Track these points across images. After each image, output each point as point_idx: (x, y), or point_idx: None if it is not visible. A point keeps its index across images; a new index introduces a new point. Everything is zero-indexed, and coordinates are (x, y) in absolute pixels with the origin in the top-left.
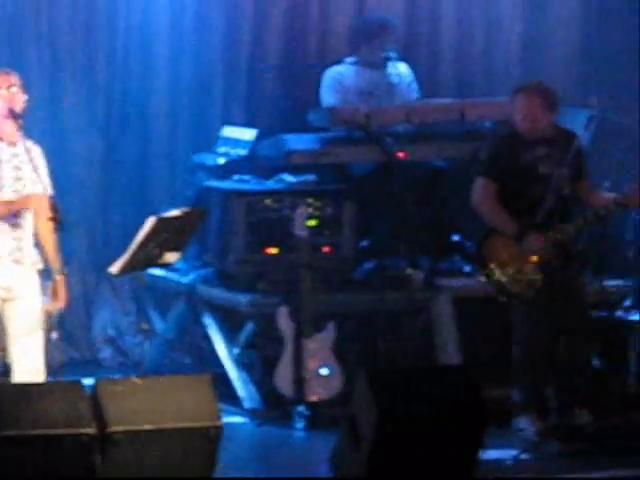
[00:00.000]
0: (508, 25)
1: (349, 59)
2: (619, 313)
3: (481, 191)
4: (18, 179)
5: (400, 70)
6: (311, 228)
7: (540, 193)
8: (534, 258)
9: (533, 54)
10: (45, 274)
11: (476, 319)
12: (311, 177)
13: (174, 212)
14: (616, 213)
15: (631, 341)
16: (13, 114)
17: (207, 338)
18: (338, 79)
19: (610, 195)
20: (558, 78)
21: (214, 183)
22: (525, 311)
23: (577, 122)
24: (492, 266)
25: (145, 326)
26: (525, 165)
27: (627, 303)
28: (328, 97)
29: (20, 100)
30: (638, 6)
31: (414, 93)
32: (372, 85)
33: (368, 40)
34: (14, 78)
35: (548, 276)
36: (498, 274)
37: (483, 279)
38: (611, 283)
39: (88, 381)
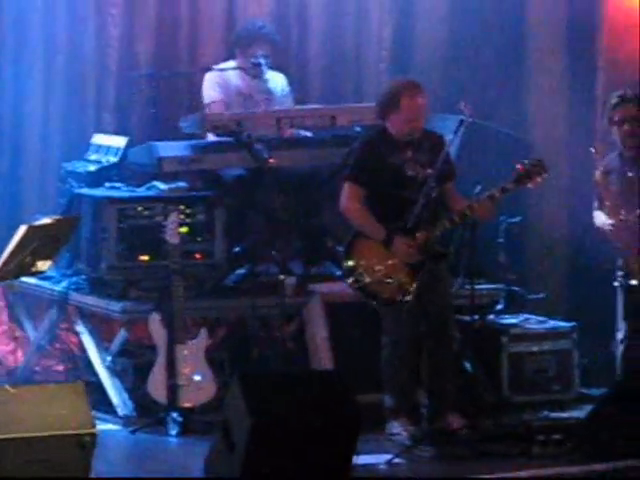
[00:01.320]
0: (377, 31)
1: (229, 63)
2: (491, 317)
3: (347, 196)
4: None
5: (276, 79)
6: (183, 235)
7: (408, 196)
8: (402, 261)
9: (402, 59)
10: None
11: (348, 324)
12: (182, 184)
13: (46, 220)
14: (471, 219)
15: (503, 345)
16: None
17: (80, 346)
18: (222, 76)
19: (467, 201)
20: (428, 83)
21: (85, 190)
22: (393, 315)
23: (447, 127)
24: (361, 271)
25: (18, 334)
26: (392, 168)
27: (499, 307)
28: (211, 92)
29: None
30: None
31: (290, 103)
32: (250, 89)
33: (243, 47)
34: None
35: (416, 280)
36: (367, 279)
37: (352, 284)
38: (483, 287)
39: None
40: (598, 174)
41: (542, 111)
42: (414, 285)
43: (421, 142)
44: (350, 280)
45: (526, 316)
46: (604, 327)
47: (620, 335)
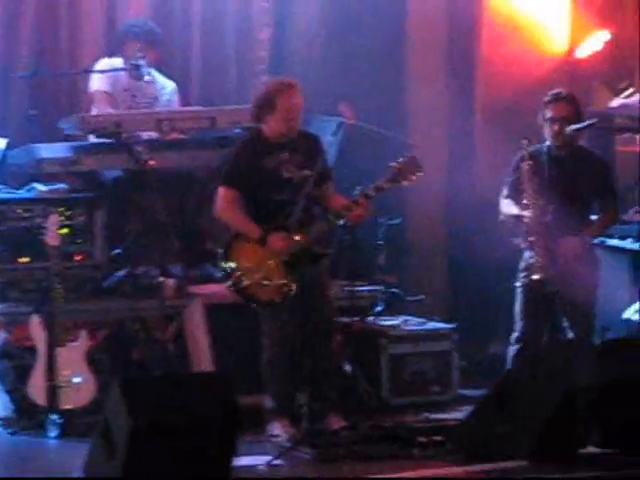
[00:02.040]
0: (256, 33)
1: (115, 60)
2: (371, 319)
3: (222, 200)
4: None
5: (164, 83)
6: (63, 237)
7: (285, 198)
8: (280, 262)
9: (280, 60)
10: None
11: (229, 325)
12: (62, 186)
13: None
14: (348, 219)
15: (382, 346)
16: None
17: None
18: (110, 67)
19: (344, 201)
20: (307, 85)
21: None
22: (273, 317)
23: (325, 129)
24: (239, 273)
25: None
26: (268, 170)
27: (378, 309)
28: (98, 81)
29: None
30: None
31: (174, 105)
32: (136, 88)
33: (123, 47)
34: None
35: (294, 281)
36: (245, 281)
37: (231, 287)
38: (362, 289)
39: None
40: (524, 165)
41: (422, 112)
42: (291, 286)
43: (297, 144)
44: (229, 283)
45: (405, 318)
46: (483, 328)
47: (516, 334)
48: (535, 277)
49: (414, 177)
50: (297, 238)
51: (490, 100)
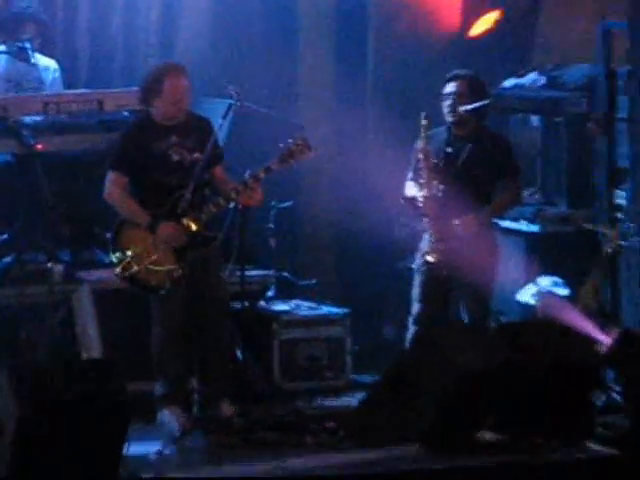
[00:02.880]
0: (144, 15)
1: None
2: (262, 304)
3: (110, 184)
4: None
5: (48, 65)
6: None
7: (176, 182)
8: (169, 247)
9: (169, 44)
10: None
11: (118, 311)
12: None
13: None
14: (238, 202)
15: (274, 331)
16: None
17: None
18: None
19: (234, 184)
20: (195, 67)
21: None
22: (163, 303)
23: (216, 111)
24: (128, 259)
25: None
26: (158, 154)
27: (270, 294)
28: None
29: None
30: None
31: (59, 87)
32: (20, 76)
33: (9, 31)
34: None
35: (185, 266)
36: (134, 267)
37: (120, 273)
38: (253, 273)
39: None
40: (421, 144)
41: (313, 94)
42: (182, 271)
43: (187, 126)
44: (118, 269)
45: (297, 302)
46: (377, 312)
47: (412, 317)
48: (429, 259)
49: (304, 156)
50: (187, 224)
51: (383, 80)
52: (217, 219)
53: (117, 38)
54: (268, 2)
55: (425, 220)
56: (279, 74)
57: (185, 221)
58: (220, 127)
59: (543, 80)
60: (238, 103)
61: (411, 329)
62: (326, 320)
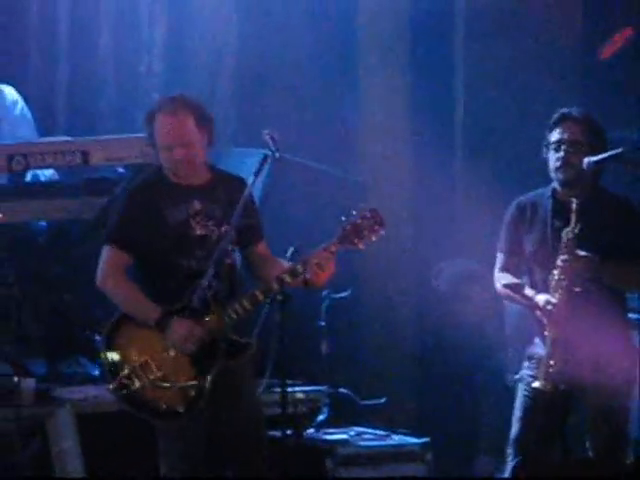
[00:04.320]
0: (145, 30)
1: None
2: (311, 431)
3: (105, 265)
4: None
5: (6, 92)
6: None
7: (198, 265)
8: (184, 356)
9: (182, 70)
10: None
11: (109, 440)
12: None
13: None
14: (292, 287)
15: (328, 470)
16: None
17: None
18: None
19: (288, 264)
20: (218, 108)
21: None
22: (175, 433)
23: (246, 165)
24: (127, 371)
25: None
26: (173, 225)
27: (322, 417)
28: None
29: None
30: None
31: (25, 126)
32: None
33: None
34: None
35: (206, 383)
36: (136, 382)
37: (115, 390)
38: (299, 389)
39: None
40: (510, 216)
41: (377, 141)
42: (203, 389)
43: (214, 189)
44: (113, 385)
45: (360, 429)
46: (465, 441)
47: (510, 449)
48: (539, 386)
49: (373, 237)
50: (211, 325)
51: (474, 127)
52: (250, 318)
53: (106, 64)
54: (320, 21)
55: (549, 332)
56: (335, 117)
57: (208, 320)
58: (252, 186)
59: None
60: (277, 154)
61: (510, 461)
62: (401, 453)
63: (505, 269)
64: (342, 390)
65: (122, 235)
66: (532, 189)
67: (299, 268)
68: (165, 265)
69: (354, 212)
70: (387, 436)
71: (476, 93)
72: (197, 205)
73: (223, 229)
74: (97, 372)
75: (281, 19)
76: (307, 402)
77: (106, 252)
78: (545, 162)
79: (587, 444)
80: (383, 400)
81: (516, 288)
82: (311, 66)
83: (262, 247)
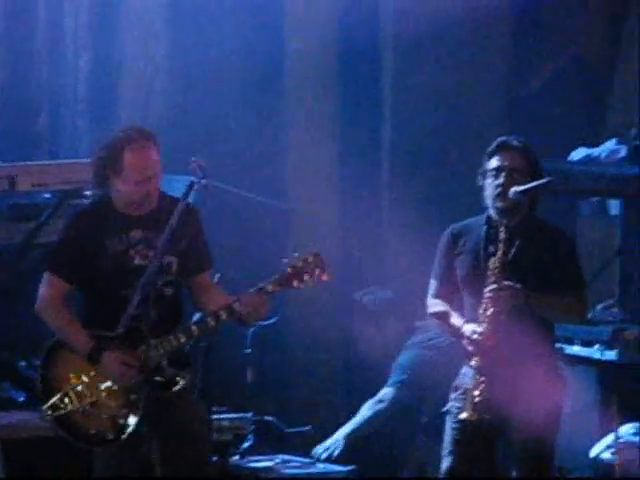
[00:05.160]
0: (72, 58)
1: None
2: (235, 459)
3: (44, 292)
4: None
5: None
6: None
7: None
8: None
9: (108, 96)
10: None
11: (37, 466)
12: None
13: None
14: (227, 323)
15: None
16: None
17: None
18: None
19: (226, 299)
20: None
21: None
22: (105, 455)
23: (172, 191)
24: (61, 395)
25: None
26: (113, 255)
27: (246, 444)
28: None
29: None
30: None
31: None
32: None
33: None
34: None
35: (137, 409)
36: (69, 406)
37: (47, 413)
38: (223, 417)
39: None
40: (443, 242)
41: (304, 168)
42: (132, 418)
43: (158, 217)
44: (46, 406)
45: (285, 457)
46: (391, 469)
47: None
48: (465, 417)
49: (313, 281)
50: (144, 356)
51: (403, 150)
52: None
53: (40, 92)
54: (249, 48)
55: (475, 361)
56: (262, 144)
57: (141, 351)
58: (177, 213)
59: (624, 151)
60: (203, 181)
61: None
62: None
63: (437, 296)
64: (267, 417)
65: (61, 263)
66: (459, 213)
67: (236, 306)
68: (105, 294)
69: (296, 254)
70: (312, 464)
71: (404, 117)
72: (138, 234)
73: (166, 259)
74: (21, 398)
75: (211, 50)
76: (232, 429)
77: (46, 278)
78: (475, 188)
79: (514, 473)
80: (308, 427)
81: (443, 316)
82: (239, 93)
83: (204, 278)
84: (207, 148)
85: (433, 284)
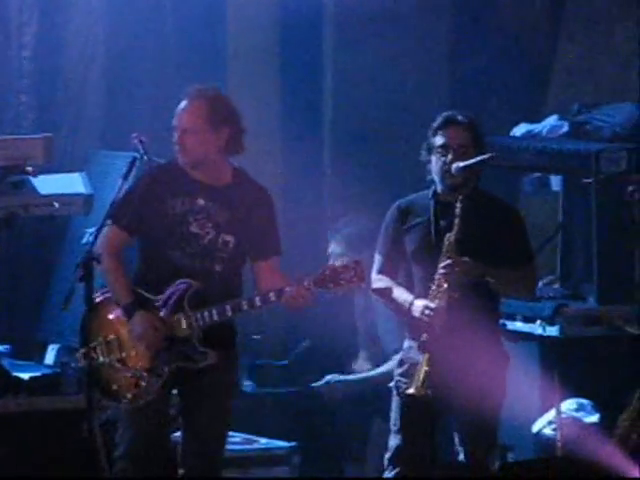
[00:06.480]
0: (15, 33)
1: None
2: (177, 435)
3: (103, 241)
4: None
5: None
6: None
7: (184, 260)
8: (147, 349)
9: (52, 71)
10: None
11: (11, 442)
12: None
13: None
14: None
15: None
16: None
17: None
18: None
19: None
20: (89, 109)
21: None
22: (128, 412)
23: (115, 168)
24: (94, 344)
25: None
26: (173, 216)
27: None
28: None
29: None
30: None
31: None
32: None
33: None
34: None
35: (156, 379)
36: (99, 356)
37: (81, 356)
38: None
39: None
40: (390, 218)
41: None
42: (154, 385)
43: (229, 192)
44: (81, 351)
45: None
46: (335, 445)
47: (388, 454)
48: (412, 392)
49: (348, 287)
50: (175, 324)
51: (342, 123)
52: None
53: None
54: (190, 27)
55: (424, 337)
56: None
57: (176, 319)
58: (120, 189)
59: (566, 127)
60: (145, 157)
61: (389, 472)
62: (267, 458)
63: (381, 271)
64: None
65: (122, 214)
66: (401, 190)
67: (271, 295)
68: (155, 254)
69: (338, 262)
70: (253, 440)
71: (344, 97)
72: (201, 203)
73: (223, 236)
74: None
75: (151, 24)
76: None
77: (106, 228)
78: (418, 165)
79: (456, 449)
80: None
81: (386, 292)
82: (180, 71)
83: (269, 264)
84: (148, 123)
85: (378, 260)
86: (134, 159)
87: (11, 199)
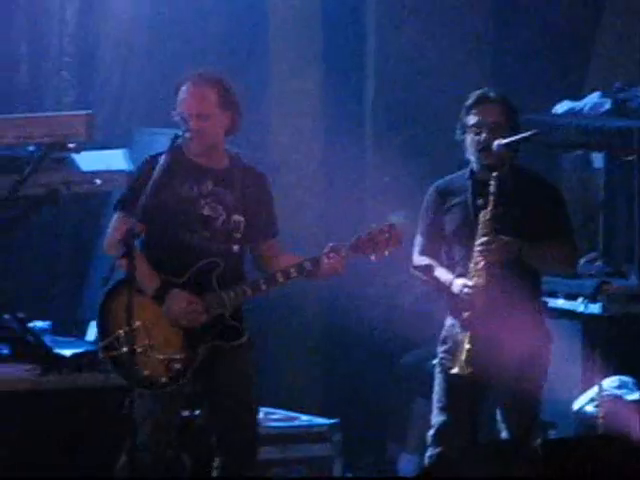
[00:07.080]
0: (58, 15)
1: None
2: None
3: (113, 229)
4: None
5: None
6: None
7: (198, 242)
8: (178, 329)
9: (91, 53)
10: None
11: (20, 419)
12: None
13: None
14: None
15: None
16: None
17: None
18: None
19: (296, 258)
20: (131, 87)
21: None
22: (145, 398)
23: (154, 145)
24: (116, 334)
25: None
26: (183, 200)
27: None
28: None
29: None
30: None
31: None
32: None
33: None
34: None
35: (192, 360)
36: (123, 347)
37: (105, 352)
38: None
39: None
40: (429, 200)
41: (291, 122)
42: (190, 365)
43: (231, 175)
44: (102, 344)
45: (268, 409)
46: (377, 424)
47: (432, 431)
48: (457, 371)
49: (387, 251)
50: (209, 303)
51: (386, 106)
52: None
53: (20, 44)
54: (232, 6)
55: (467, 315)
56: (244, 99)
57: (208, 298)
58: (161, 165)
59: (608, 104)
60: (187, 134)
61: (432, 450)
62: (308, 435)
63: (423, 252)
64: None
65: (128, 201)
66: (441, 167)
67: (307, 265)
68: (167, 238)
69: (373, 225)
70: (295, 417)
71: (387, 71)
72: (209, 186)
73: (234, 218)
74: (5, 351)
75: (193, 2)
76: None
77: (114, 217)
78: (456, 142)
79: (498, 426)
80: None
81: (428, 269)
82: (222, 50)
83: (274, 243)
84: None
85: (420, 241)
86: (176, 136)
87: (53, 176)
